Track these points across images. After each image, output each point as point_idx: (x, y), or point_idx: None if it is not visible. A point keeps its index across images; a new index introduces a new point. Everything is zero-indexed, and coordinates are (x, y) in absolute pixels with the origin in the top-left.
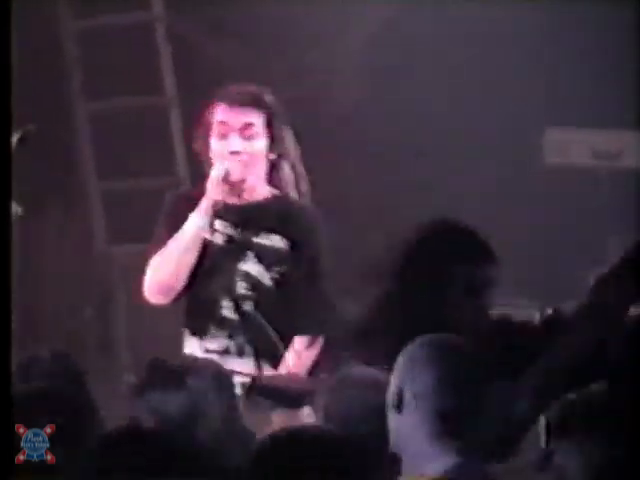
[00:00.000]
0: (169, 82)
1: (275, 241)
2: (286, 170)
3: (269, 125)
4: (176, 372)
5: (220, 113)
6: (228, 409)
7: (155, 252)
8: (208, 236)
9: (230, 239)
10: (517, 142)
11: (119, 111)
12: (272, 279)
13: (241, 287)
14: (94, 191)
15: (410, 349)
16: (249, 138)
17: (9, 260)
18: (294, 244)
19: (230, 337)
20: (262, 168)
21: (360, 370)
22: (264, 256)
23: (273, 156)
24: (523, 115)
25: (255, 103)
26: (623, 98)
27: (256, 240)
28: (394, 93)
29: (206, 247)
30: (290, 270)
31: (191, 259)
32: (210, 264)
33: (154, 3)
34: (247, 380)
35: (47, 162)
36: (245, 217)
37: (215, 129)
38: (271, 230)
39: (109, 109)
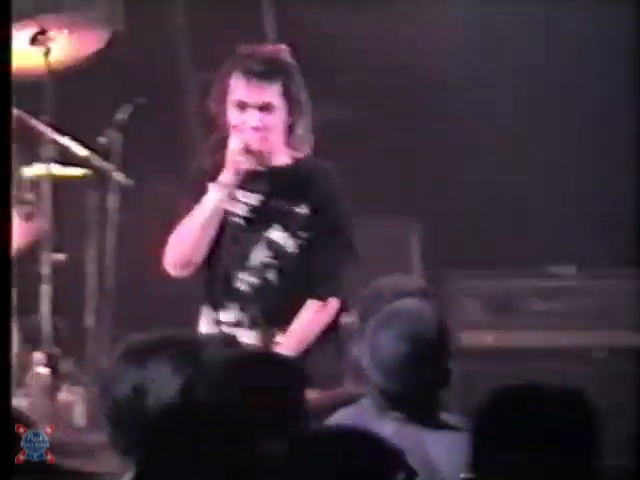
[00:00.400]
0: None
1: (298, 206)
2: (301, 130)
3: (286, 92)
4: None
5: (238, 89)
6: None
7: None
8: (229, 207)
9: (253, 208)
10: None
11: None
12: (296, 245)
13: (264, 256)
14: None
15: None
16: (268, 113)
17: (9, 259)
18: (317, 208)
19: (242, 309)
20: (281, 134)
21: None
22: (288, 222)
23: (291, 120)
24: None
25: (272, 75)
26: None
27: (279, 207)
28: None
29: (227, 218)
30: (314, 234)
31: (210, 232)
32: (232, 235)
33: None
34: None
35: (157, 134)
36: (267, 184)
37: (232, 100)
38: (294, 195)
39: None
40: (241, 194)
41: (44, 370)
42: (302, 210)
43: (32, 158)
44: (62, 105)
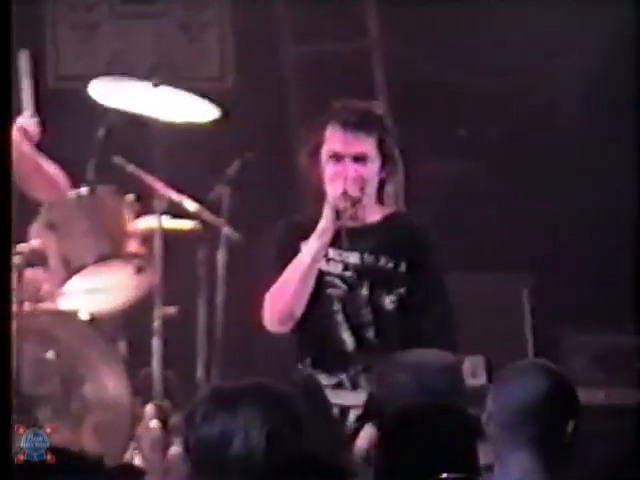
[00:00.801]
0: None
1: (394, 263)
2: (393, 187)
3: (381, 145)
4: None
5: (333, 140)
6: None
7: (271, 282)
8: (324, 266)
9: (348, 266)
10: None
11: None
12: (393, 302)
13: (363, 314)
14: None
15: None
16: (363, 163)
17: (9, 260)
18: (413, 264)
19: (345, 370)
20: (374, 187)
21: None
22: (385, 280)
23: (383, 175)
24: None
25: (368, 126)
26: None
27: (375, 264)
28: None
29: (323, 277)
30: (410, 292)
31: (311, 283)
32: (328, 294)
33: (371, 30)
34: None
35: (265, 188)
36: (362, 241)
37: (327, 152)
38: (390, 252)
39: None
40: (336, 253)
41: (155, 423)
42: (398, 267)
43: (144, 211)
44: (174, 160)
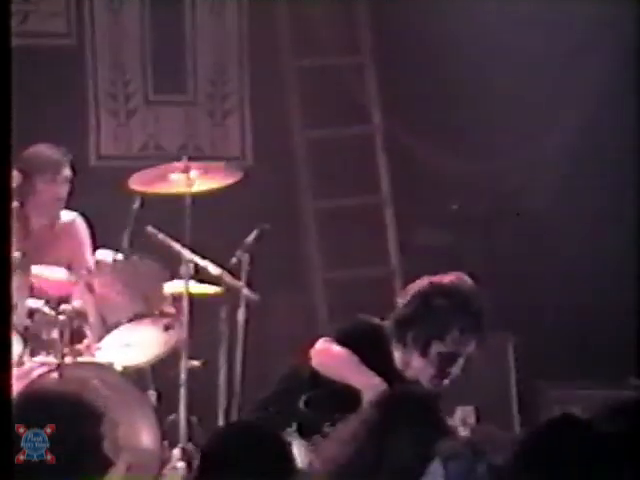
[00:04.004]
0: (385, 183)
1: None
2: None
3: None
4: None
5: (450, 343)
6: None
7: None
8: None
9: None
10: None
11: (342, 207)
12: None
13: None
14: (317, 279)
15: None
16: (457, 362)
17: (9, 260)
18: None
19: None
20: None
21: None
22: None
23: None
24: None
25: (482, 330)
26: None
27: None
28: None
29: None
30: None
31: None
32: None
33: (374, 115)
34: None
35: (280, 254)
36: None
37: (440, 350)
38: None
39: (332, 207)
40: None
41: (180, 464)
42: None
43: (173, 275)
44: (200, 229)
